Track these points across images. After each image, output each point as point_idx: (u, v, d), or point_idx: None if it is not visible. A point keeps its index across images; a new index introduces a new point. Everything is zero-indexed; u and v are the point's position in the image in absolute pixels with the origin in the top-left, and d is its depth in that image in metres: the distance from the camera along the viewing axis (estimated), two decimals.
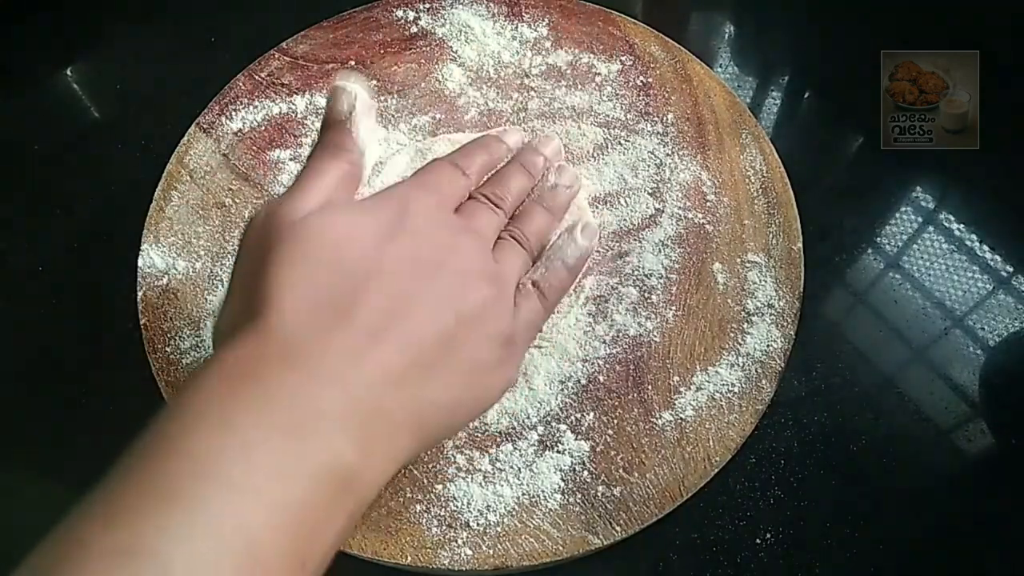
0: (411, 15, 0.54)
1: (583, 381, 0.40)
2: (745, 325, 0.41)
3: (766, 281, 0.43)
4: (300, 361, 0.23)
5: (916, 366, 0.45)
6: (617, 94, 0.50)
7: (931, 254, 0.49)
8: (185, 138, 0.48)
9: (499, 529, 0.36)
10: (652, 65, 0.51)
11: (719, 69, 0.57)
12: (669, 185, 0.46)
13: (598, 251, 0.43)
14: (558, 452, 0.38)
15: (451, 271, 0.28)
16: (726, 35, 0.60)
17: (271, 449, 0.21)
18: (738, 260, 0.43)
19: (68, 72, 0.59)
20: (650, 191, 0.46)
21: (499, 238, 0.33)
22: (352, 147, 0.30)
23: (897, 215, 0.51)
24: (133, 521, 0.19)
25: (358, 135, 0.30)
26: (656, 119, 0.49)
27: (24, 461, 0.44)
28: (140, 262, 0.44)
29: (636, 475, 0.37)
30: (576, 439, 0.38)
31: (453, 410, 0.28)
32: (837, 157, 0.55)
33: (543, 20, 0.54)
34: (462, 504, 0.36)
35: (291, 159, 0.48)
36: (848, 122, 0.56)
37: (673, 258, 0.44)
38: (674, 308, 0.42)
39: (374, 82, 0.51)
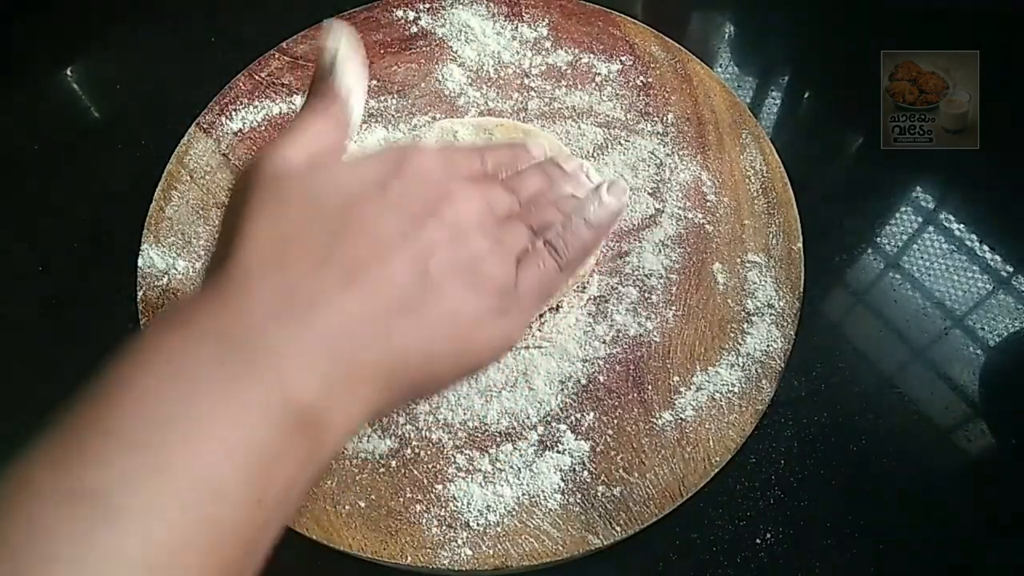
0: (411, 15, 0.54)
1: (583, 381, 0.40)
2: (745, 325, 0.41)
3: (766, 281, 0.43)
4: (258, 302, 0.23)
5: (916, 366, 0.45)
6: (617, 94, 0.50)
7: (931, 254, 0.49)
8: (185, 138, 0.48)
9: (499, 529, 0.36)
10: (652, 65, 0.51)
11: (719, 69, 0.57)
12: (669, 185, 0.46)
13: (598, 250, 0.43)
14: (558, 452, 0.38)
15: (442, 221, 0.27)
16: (726, 35, 0.60)
17: (221, 390, 0.21)
18: (738, 260, 0.43)
19: (68, 72, 0.59)
20: (650, 191, 0.46)
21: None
22: (333, 100, 0.30)
23: (897, 215, 0.51)
24: (88, 465, 0.19)
25: (340, 86, 0.30)
26: (656, 119, 0.49)
27: None
28: (140, 262, 0.44)
29: (636, 475, 0.37)
30: (576, 439, 0.38)
31: (430, 361, 0.27)
32: (837, 157, 0.55)
33: (543, 20, 0.54)
34: (462, 504, 0.36)
35: None
36: (848, 122, 0.56)
37: (673, 258, 0.44)
38: (674, 308, 0.42)
39: (374, 82, 0.51)
